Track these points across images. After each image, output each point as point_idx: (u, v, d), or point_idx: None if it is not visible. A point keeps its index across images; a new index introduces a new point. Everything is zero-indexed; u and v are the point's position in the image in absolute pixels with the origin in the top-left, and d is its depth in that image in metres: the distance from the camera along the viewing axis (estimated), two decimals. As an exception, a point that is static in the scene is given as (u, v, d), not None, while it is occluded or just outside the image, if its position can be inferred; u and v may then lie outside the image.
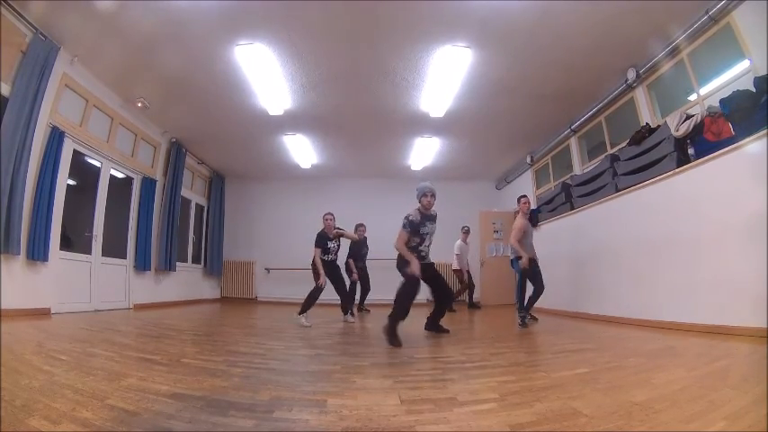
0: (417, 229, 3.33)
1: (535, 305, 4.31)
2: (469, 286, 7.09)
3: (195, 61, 4.67)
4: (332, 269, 4.64)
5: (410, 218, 3.29)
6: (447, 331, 3.54)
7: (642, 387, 1.60)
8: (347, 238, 4.91)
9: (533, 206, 7.38)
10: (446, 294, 3.63)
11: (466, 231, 6.97)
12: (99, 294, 5.23)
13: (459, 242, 6.93)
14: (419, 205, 3.41)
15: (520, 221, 4.43)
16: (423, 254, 3.40)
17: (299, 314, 4.36)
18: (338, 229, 4.72)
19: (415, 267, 3.16)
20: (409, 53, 4.54)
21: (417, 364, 2.22)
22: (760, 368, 1.98)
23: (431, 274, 3.51)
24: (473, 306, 7.17)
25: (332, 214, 4.68)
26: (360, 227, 5.84)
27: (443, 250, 8.12)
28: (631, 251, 4.19)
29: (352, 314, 5.04)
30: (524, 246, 4.30)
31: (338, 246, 4.74)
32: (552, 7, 3.73)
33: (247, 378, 1.81)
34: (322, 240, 4.53)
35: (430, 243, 3.48)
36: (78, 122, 4.92)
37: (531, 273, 4.28)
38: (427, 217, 3.40)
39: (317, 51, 4.54)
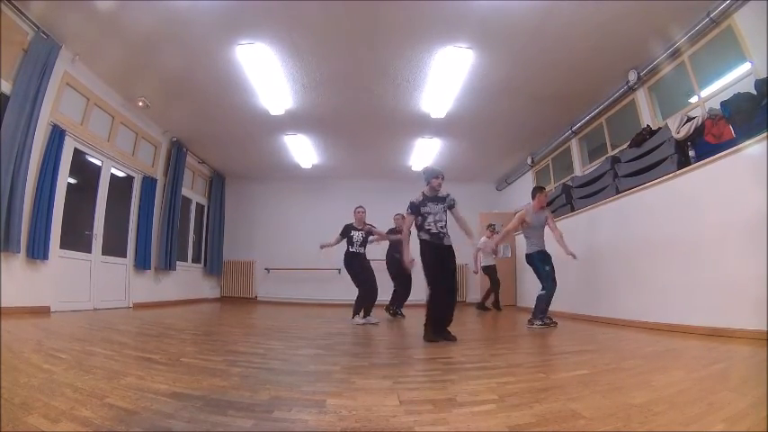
0: (419, 210, 3.36)
1: (533, 306, 4.24)
2: (494, 286, 6.70)
3: (196, 61, 4.68)
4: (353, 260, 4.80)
5: (412, 201, 3.42)
6: (452, 339, 3.13)
7: (641, 389, 1.59)
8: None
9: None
10: (449, 290, 3.33)
11: (491, 229, 6.65)
12: (99, 293, 5.23)
13: (482, 238, 6.60)
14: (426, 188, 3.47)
15: (522, 213, 4.33)
16: (431, 230, 3.32)
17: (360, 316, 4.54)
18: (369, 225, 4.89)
19: (405, 257, 3.44)
20: (410, 54, 4.54)
21: (417, 365, 2.22)
22: (760, 371, 1.97)
23: (443, 258, 3.31)
24: (481, 307, 6.79)
25: (362, 207, 4.93)
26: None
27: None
28: (632, 253, 4.18)
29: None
30: (529, 238, 4.29)
31: (363, 236, 4.80)
32: (553, 9, 3.73)
33: (246, 378, 1.81)
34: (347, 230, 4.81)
35: (440, 221, 3.35)
36: (79, 121, 4.92)
37: (538, 269, 4.23)
38: (430, 198, 3.41)
39: (318, 51, 4.55)
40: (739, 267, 2.92)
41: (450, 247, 3.39)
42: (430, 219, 3.35)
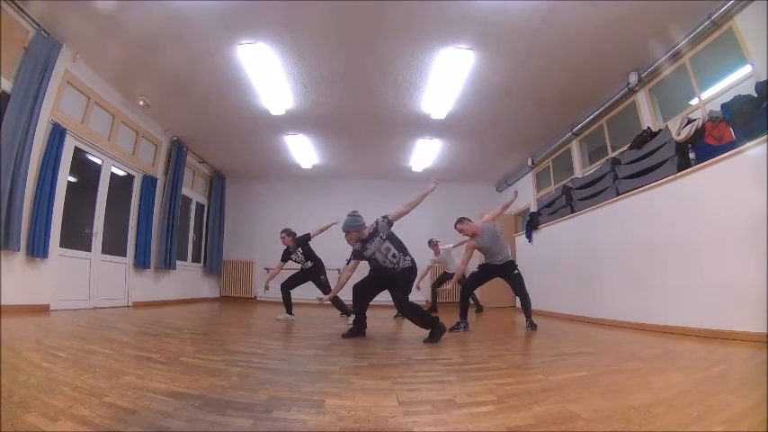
0: (363, 256, 3.33)
1: (533, 307, 4.22)
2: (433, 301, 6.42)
3: (197, 60, 4.68)
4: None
5: (354, 248, 3.39)
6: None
7: (640, 391, 1.59)
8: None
9: (533, 209, 7.39)
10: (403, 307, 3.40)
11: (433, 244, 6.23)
12: (98, 292, 5.23)
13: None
14: None
15: (469, 242, 4.14)
16: (388, 266, 3.31)
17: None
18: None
19: (329, 296, 3.89)
20: (411, 54, 4.54)
21: (416, 366, 2.21)
22: (759, 373, 1.97)
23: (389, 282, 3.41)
24: (479, 311, 6.50)
25: (284, 230, 4.98)
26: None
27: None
28: (631, 255, 4.18)
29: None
30: (488, 258, 4.14)
31: (302, 255, 4.98)
32: (555, 10, 3.74)
33: (245, 377, 1.81)
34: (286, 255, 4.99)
35: (388, 252, 3.28)
36: (80, 120, 4.93)
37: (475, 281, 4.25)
38: (365, 241, 3.31)
39: (319, 52, 4.55)
40: (739, 270, 2.91)
41: (405, 269, 3.31)
42: (379, 256, 3.28)
